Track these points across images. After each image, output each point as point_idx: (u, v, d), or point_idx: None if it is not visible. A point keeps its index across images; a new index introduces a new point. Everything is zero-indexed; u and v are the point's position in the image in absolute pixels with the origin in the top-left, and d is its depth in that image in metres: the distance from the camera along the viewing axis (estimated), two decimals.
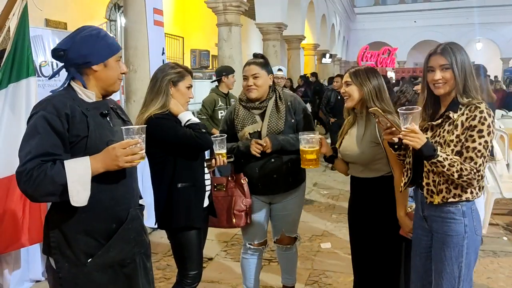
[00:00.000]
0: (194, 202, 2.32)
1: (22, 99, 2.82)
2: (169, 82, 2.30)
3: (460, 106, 1.90)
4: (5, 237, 2.76)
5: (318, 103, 10.22)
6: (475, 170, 1.83)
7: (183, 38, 11.60)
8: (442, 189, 1.93)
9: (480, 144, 1.83)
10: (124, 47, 4.64)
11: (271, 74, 2.64)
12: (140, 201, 1.87)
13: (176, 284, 2.40)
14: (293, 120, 2.62)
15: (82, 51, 1.64)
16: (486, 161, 1.86)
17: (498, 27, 23.30)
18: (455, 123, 1.89)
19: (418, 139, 1.81)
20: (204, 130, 2.25)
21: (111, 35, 1.87)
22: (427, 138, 1.87)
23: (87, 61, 1.65)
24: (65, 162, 1.53)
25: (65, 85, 1.69)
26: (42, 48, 4.36)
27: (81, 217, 1.61)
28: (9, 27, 2.92)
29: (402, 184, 2.12)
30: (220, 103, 4.69)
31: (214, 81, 4.98)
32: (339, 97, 7.31)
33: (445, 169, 1.83)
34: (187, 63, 10.95)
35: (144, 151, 1.60)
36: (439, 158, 1.82)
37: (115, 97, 4.60)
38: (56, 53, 1.66)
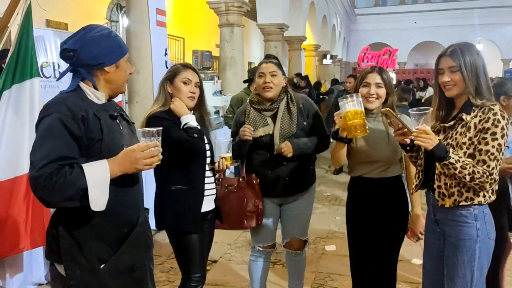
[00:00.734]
0: (189, 206, 2.27)
1: (25, 100, 2.79)
2: (165, 80, 2.33)
3: (474, 108, 1.87)
4: (8, 240, 2.73)
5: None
6: (487, 173, 1.79)
7: (183, 39, 11.58)
8: (453, 192, 1.90)
9: (493, 147, 1.80)
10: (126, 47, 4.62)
11: (285, 76, 2.64)
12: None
13: (180, 287, 2.38)
14: (305, 123, 2.58)
15: (95, 52, 1.59)
16: (499, 164, 1.83)
17: (499, 28, 23.31)
18: (468, 125, 1.86)
19: (430, 140, 1.79)
20: (196, 135, 2.21)
21: None
22: (439, 139, 1.85)
23: (100, 62, 1.61)
24: (84, 166, 1.49)
25: (75, 87, 1.63)
26: (44, 49, 4.34)
27: (94, 222, 1.57)
28: (11, 27, 2.89)
29: (413, 186, 2.10)
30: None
31: (246, 81, 4.87)
32: None
33: (457, 172, 1.80)
34: None
35: (160, 154, 1.59)
36: (451, 160, 1.79)
37: (117, 97, 4.60)
38: (65, 54, 1.60)
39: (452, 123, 1.93)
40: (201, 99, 2.39)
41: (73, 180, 1.44)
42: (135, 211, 1.71)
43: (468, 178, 1.80)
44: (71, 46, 1.59)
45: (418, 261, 3.57)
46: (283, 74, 2.62)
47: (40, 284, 3.23)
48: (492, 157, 1.80)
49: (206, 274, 2.42)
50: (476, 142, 1.84)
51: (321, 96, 11.25)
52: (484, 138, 1.82)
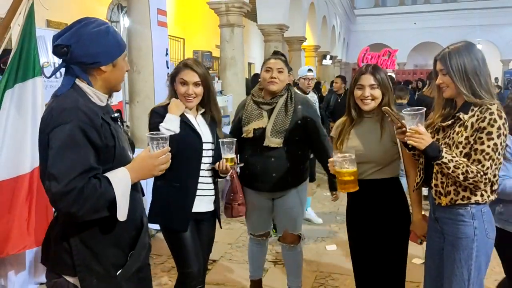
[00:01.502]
0: (179, 205, 2.27)
1: (28, 99, 2.79)
2: (169, 78, 2.39)
3: (472, 107, 1.88)
4: (10, 239, 2.74)
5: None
6: (481, 173, 1.81)
7: (184, 39, 11.59)
8: (450, 190, 1.91)
9: (488, 146, 1.81)
10: (127, 48, 4.62)
11: (290, 74, 2.72)
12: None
13: (176, 282, 2.42)
14: (299, 121, 2.63)
15: (91, 49, 1.48)
16: (496, 164, 1.83)
17: (498, 29, 23.32)
18: (465, 125, 1.87)
19: (422, 140, 1.81)
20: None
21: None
22: (438, 139, 1.86)
23: (96, 61, 1.50)
24: (109, 176, 1.45)
25: (71, 86, 1.52)
26: (45, 49, 4.34)
27: (110, 230, 1.54)
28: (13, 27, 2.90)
29: (414, 184, 2.10)
30: None
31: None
32: (339, 100, 7.09)
33: (450, 171, 1.82)
34: None
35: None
36: (444, 160, 1.81)
37: (118, 98, 4.60)
38: (59, 50, 1.48)
39: (450, 122, 1.95)
40: (208, 97, 2.36)
41: (104, 192, 1.41)
42: (140, 212, 1.71)
43: (461, 177, 1.82)
44: (64, 41, 1.47)
45: (419, 260, 3.58)
46: (289, 72, 2.71)
47: (42, 283, 3.23)
48: (487, 156, 1.81)
49: (202, 270, 2.43)
50: (472, 142, 1.85)
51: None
52: (480, 138, 1.83)
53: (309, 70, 4.84)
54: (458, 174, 1.81)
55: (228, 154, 2.27)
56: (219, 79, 7.45)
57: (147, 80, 4.48)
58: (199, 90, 2.30)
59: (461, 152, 1.86)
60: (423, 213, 2.23)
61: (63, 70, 1.56)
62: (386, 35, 24.78)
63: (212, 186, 2.39)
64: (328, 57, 16.70)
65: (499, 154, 1.83)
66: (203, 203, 2.34)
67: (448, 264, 1.97)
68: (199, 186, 2.33)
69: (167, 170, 2.22)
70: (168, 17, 4.81)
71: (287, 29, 10.04)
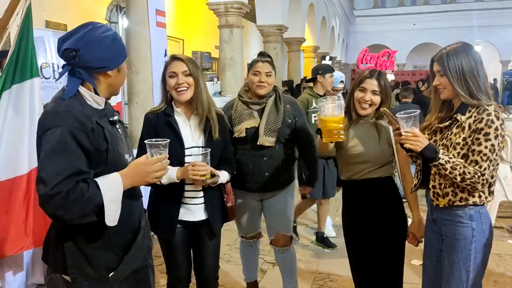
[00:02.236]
0: (161, 211, 2.24)
1: (25, 100, 2.78)
2: (161, 80, 2.28)
3: (470, 108, 1.88)
4: (8, 240, 2.72)
5: None
6: (479, 174, 1.80)
7: (183, 40, 11.58)
8: (448, 192, 1.91)
9: (486, 147, 1.80)
10: (126, 48, 4.62)
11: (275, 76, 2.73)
12: None
13: (167, 283, 2.47)
14: (290, 120, 2.66)
15: (100, 54, 1.50)
16: (494, 165, 1.83)
17: (497, 30, 23.34)
18: (462, 126, 1.87)
19: (419, 142, 1.81)
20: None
21: None
22: (434, 140, 1.85)
23: (104, 65, 1.53)
24: (98, 181, 1.44)
25: (76, 90, 1.53)
26: (43, 50, 4.34)
27: (101, 234, 1.53)
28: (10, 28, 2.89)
29: (412, 186, 2.10)
30: (314, 105, 4.01)
31: (309, 80, 4.42)
32: None
33: (447, 172, 1.82)
34: None
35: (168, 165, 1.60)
36: (441, 161, 1.81)
37: (117, 99, 4.60)
38: (67, 53, 1.49)
39: (447, 123, 1.95)
40: (196, 92, 2.19)
41: (91, 197, 1.40)
42: (136, 216, 1.70)
43: (459, 178, 1.81)
44: (73, 45, 1.48)
45: (418, 262, 3.57)
46: (275, 72, 2.72)
47: (40, 285, 3.22)
48: (484, 157, 1.81)
49: (184, 276, 2.40)
50: (469, 143, 1.85)
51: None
52: (477, 139, 1.82)
53: (341, 82, 4.63)
54: (456, 175, 1.81)
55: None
56: (218, 79, 7.45)
57: (146, 81, 4.48)
58: (190, 80, 2.17)
59: (458, 153, 1.86)
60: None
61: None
62: (385, 36, 24.79)
63: (201, 194, 2.25)
64: (327, 58, 16.70)
65: (496, 155, 1.82)
66: (191, 212, 2.26)
67: (446, 265, 1.97)
68: (186, 194, 2.24)
69: None
70: (167, 18, 4.81)
71: (286, 30, 10.05)
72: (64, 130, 1.41)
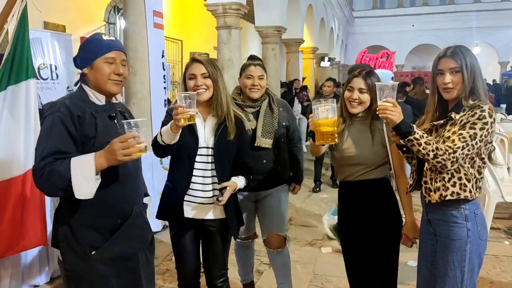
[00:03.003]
0: (169, 203, 2.29)
1: (21, 101, 2.78)
2: (181, 80, 2.32)
3: (465, 108, 1.89)
4: (3, 241, 2.73)
5: None
6: (450, 151, 1.79)
7: (182, 41, 11.59)
8: (438, 186, 1.91)
9: (467, 133, 1.82)
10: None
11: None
12: (146, 199, 2.00)
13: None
14: (284, 123, 2.72)
15: (78, 56, 1.81)
16: (469, 151, 1.82)
17: (496, 31, 23.37)
18: (455, 123, 1.89)
19: (398, 113, 1.79)
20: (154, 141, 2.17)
21: (111, 37, 1.86)
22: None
23: (80, 65, 1.80)
24: (72, 158, 1.61)
25: (77, 87, 1.84)
26: (41, 51, 4.34)
27: (87, 212, 1.71)
28: (7, 29, 2.89)
29: (407, 187, 2.11)
30: None
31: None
32: None
33: (421, 148, 1.80)
34: None
35: (143, 144, 1.60)
36: (416, 136, 1.80)
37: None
38: (74, 62, 1.85)
39: (442, 121, 1.96)
40: (215, 94, 2.22)
41: (61, 170, 1.58)
42: (128, 204, 1.82)
43: (431, 154, 1.80)
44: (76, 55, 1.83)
45: (414, 263, 3.56)
46: (266, 75, 2.76)
47: (36, 286, 3.21)
48: (462, 139, 1.81)
49: (192, 273, 2.39)
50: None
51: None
52: (463, 126, 1.84)
53: (392, 78, 4.43)
54: (429, 151, 1.79)
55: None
56: None
57: (143, 81, 4.48)
58: (209, 82, 2.20)
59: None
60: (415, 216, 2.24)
61: (60, 73, 1.79)
62: (384, 37, 24.82)
63: (209, 194, 2.23)
64: (326, 59, 16.71)
65: (476, 143, 1.82)
66: (197, 209, 2.25)
67: (441, 265, 1.97)
68: (192, 192, 2.23)
69: (170, 168, 2.33)
70: (165, 19, 4.82)
71: (284, 31, 10.05)
72: (55, 117, 1.67)
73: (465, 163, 1.87)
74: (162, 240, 4.01)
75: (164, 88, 4.79)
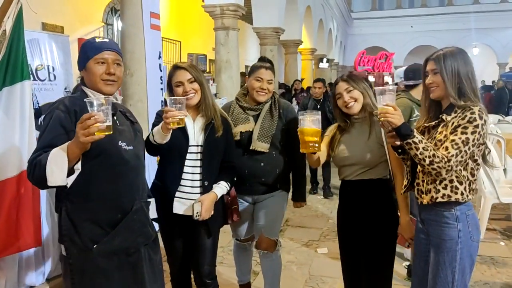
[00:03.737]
0: (157, 201, 2.25)
1: (16, 103, 2.78)
2: (166, 90, 2.41)
3: (456, 109, 1.91)
4: None
5: None
6: (446, 159, 1.82)
7: (180, 42, 11.60)
8: (430, 189, 1.93)
9: (460, 138, 1.84)
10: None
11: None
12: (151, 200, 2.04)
13: None
14: (283, 127, 2.67)
15: (78, 61, 1.88)
16: (463, 157, 1.84)
17: (494, 33, 23.42)
18: (447, 124, 1.90)
19: (398, 116, 1.83)
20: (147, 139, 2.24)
21: (105, 39, 1.91)
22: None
23: (79, 69, 1.88)
24: (53, 149, 1.64)
25: (77, 87, 1.91)
26: (39, 52, 4.34)
27: (87, 206, 1.77)
28: (4, 30, 2.90)
29: (402, 187, 2.13)
30: (416, 112, 3.30)
31: (409, 85, 3.47)
32: (318, 107, 6.10)
33: (418, 152, 1.83)
34: None
35: (103, 124, 1.55)
36: (415, 139, 1.83)
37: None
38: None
39: (433, 123, 1.98)
40: (204, 96, 2.31)
41: (41, 159, 1.63)
42: (129, 199, 1.86)
43: (427, 161, 1.83)
44: None
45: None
46: (274, 79, 2.74)
47: (31, 287, 3.22)
48: (455, 146, 1.83)
49: (181, 267, 2.50)
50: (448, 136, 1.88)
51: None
52: (455, 131, 1.86)
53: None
54: (425, 157, 1.82)
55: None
56: (214, 82, 7.46)
57: (140, 83, 4.48)
58: (196, 85, 2.30)
59: (438, 149, 1.88)
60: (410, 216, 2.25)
61: (58, 74, 1.87)
62: (383, 38, 24.87)
63: (198, 190, 2.33)
64: (324, 60, 16.75)
65: (468, 148, 1.84)
66: (187, 205, 2.31)
67: (432, 265, 1.99)
68: (181, 188, 2.32)
69: (158, 167, 2.39)
70: (164, 20, 4.82)
71: (282, 32, 10.08)
72: (53, 113, 1.75)
73: (456, 166, 1.88)
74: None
75: (161, 89, 4.78)
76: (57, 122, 1.72)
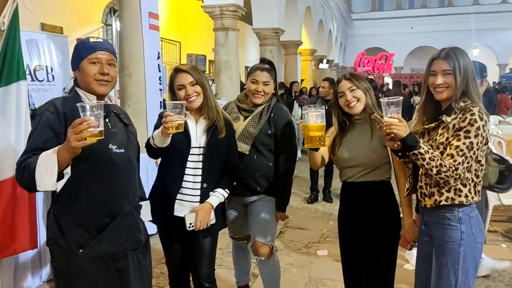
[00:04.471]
0: (158, 203, 2.26)
1: (12, 103, 2.76)
2: (168, 93, 2.36)
3: (456, 110, 1.88)
4: None
5: None
6: (453, 168, 1.80)
7: (180, 43, 11.59)
8: (433, 192, 1.91)
9: (464, 143, 1.81)
10: (119, 51, 4.59)
11: (275, 82, 2.66)
12: (144, 203, 1.99)
13: None
14: (269, 131, 2.58)
15: (71, 61, 1.86)
16: (469, 162, 1.83)
17: (494, 33, 23.44)
18: (447, 126, 1.88)
19: (404, 127, 1.80)
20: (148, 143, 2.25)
21: (99, 39, 1.89)
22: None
23: (72, 70, 1.86)
24: (43, 152, 1.61)
25: (72, 88, 1.88)
26: (37, 52, 4.31)
27: (75, 210, 1.73)
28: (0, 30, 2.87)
29: (405, 189, 2.11)
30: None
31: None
32: (326, 108, 6.19)
33: (424, 162, 1.81)
34: None
35: (95, 129, 1.53)
36: (421, 150, 1.80)
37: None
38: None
39: (433, 125, 1.95)
40: (204, 98, 2.29)
41: (30, 163, 1.60)
42: (118, 203, 1.81)
43: (434, 170, 1.81)
44: None
45: (410, 267, 3.55)
46: (275, 81, 2.66)
47: None
48: (460, 153, 1.81)
49: (179, 271, 2.49)
50: (451, 140, 1.85)
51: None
52: (457, 135, 1.83)
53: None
54: (432, 167, 1.80)
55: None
56: (213, 82, 7.45)
57: (139, 83, 4.46)
58: (198, 88, 2.27)
59: (441, 152, 1.86)
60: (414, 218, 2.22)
61: (57, 75, 1.84)
62: (383, 39, 24.89)
63: (198, 192, 2.30)
64: (324, 61, 16.75)
65: (474, 153, 1.82)
66: (187, 208, 2.29)
67: (435, 267, 1.97)
68: (183, 190, 2.30)
69: (159, 169, 2.35)
70: (163, 20, 4.80)
71: (282, 33, 10.07)
72: (42, 115, 1.73)
73: (464, 173, 1.85)
74: (156, 243, 3.97)
75: (160, 89, 4.76)
76: (47, 124, 1.69)
